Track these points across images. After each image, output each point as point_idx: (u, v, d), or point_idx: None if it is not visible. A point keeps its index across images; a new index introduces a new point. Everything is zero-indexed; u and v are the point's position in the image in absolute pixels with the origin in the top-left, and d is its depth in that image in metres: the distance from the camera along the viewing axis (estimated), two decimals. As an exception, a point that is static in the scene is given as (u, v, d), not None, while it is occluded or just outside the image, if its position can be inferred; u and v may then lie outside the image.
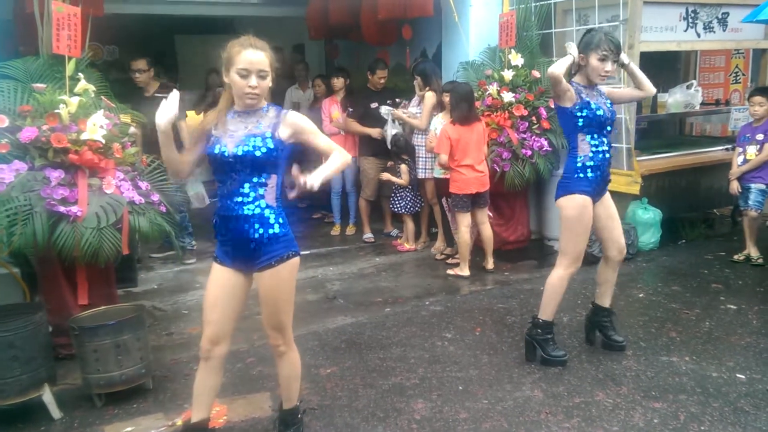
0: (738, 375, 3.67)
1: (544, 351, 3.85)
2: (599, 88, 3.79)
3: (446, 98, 5.65)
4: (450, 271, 5.67)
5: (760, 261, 5.58)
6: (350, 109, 6.56)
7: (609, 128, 3.73)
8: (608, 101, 3.74)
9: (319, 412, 3.39)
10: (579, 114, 3.61)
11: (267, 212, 2.70)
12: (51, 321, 3.80)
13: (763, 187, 5.53)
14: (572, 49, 3.62)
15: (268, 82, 2.69)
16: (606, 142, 3.72)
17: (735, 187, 5.68)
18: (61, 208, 3.61)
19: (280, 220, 2.75)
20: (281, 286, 2.78)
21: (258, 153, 2.63)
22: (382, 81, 6.54)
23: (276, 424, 3.12)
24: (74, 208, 3.63)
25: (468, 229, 5.53)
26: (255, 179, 2.68)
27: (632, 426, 3.19)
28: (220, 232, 2.79)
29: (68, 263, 3.79)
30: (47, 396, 3.41)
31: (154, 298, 5.24)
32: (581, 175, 3.68)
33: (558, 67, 3.51)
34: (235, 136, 2.67)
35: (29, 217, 3.54)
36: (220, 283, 2.82)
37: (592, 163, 3.67)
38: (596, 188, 3.72)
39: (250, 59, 2.60)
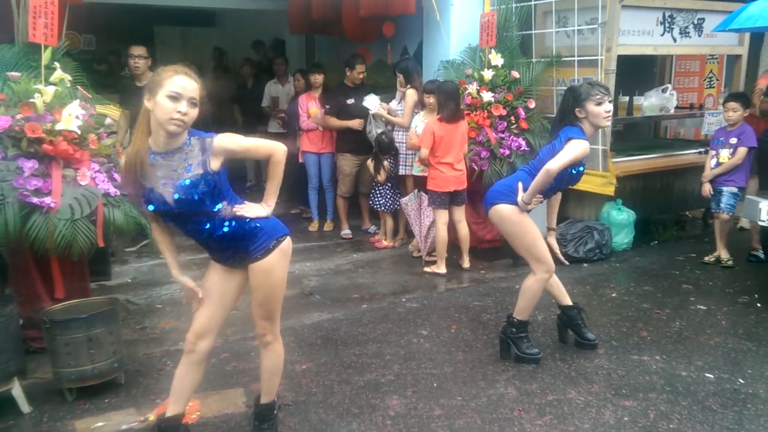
0: (706, 374, 3.74)
1: (519, 349, 3.89)
2: None
3: (428, 99, 5.66)
4: (427, 269, 5.69)
5: (730, 263, 5.69)
6: (327, 106, 6.54)
7: None
8: None
9: (294, 408, 3.39)
10: (573, 171, 3.66)
11: (232, 224, 2.68)
12: (22, 313, 3.75)
13: (735, 190, 5.63)
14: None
15: (196, 113, 2.51)
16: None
17: (707, 189, 5.77)
18: (34, 199, 3.56)
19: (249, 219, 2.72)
20: (271, 276, 2.77)
21: (199, 196, 2.54)
22: (361, 76, 6.53)
23: (251, 419, 3.10)
24: (47, 200, 3.58)
25: (445, 227, 5.56)
26: (206, 215, 2.62)
27: (603, 423, 3.24)
28: (204, 246, 2.80)
29: (40, 255, 3.74)
30: (16, 390, 3.36)
31: (127, 291, 5.18)
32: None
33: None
34: (168, 184, 2.53)
35: (1, 208, 3.48)
36: (214, 279, 2.85)
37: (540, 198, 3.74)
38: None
39: (183, 84, 2.46)
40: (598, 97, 3.56)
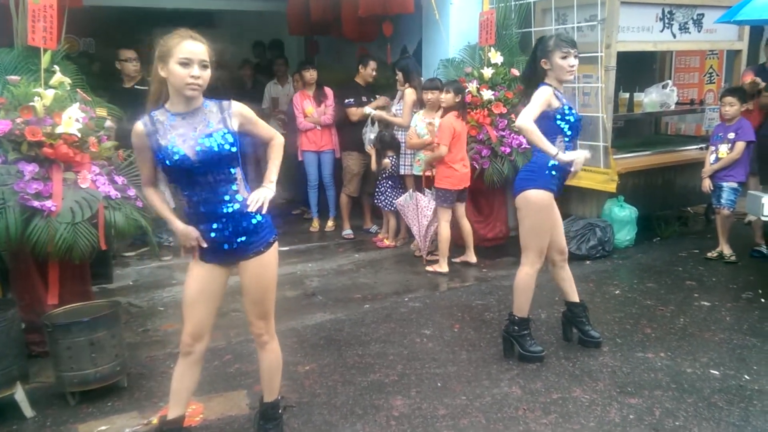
0: (712, 371, 3.73)
1: (522, 347, 3.87)
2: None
3: (427, 95, 5.65)
4: (429, 268, 5.68)
5: (733, 258, 5.67)
6: (351, 100, 6.47)
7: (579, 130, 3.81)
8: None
9: (298, 410, 3.38)
10: (563, 118, 3.64)
11: (243, 202, 2.71)
12: (23, 318, 3.73)
13: (735, 185, 5.61)
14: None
15: (209, 74, 2.60)
16: (573, 146, 3.78)
17: (707, 185, 5.76)
18: (35, 203, 3.55)
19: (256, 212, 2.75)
20: (268, 271, 2.83)
21: (220, 151, 2.60)
22: (374, 73, 6.54)
23: (256, 419, 3.09)
24: (48, 203, 3.57)
25: (448, 225, 5.55)
26: (224, 176, 2.66)
27: (608, 421, 3.23)
28: (204, 235, 2.74)
29: (42, 259, 3.73)
30: (19, 394, 3.35)
31: (129, 294, 5.17)
32: (548, 172, 3.68)
33: (531, 121, 3.52)
34: (189, 140, 2.59)
35: (2, 212, 3.48)
36: (200, 279, 2.81)
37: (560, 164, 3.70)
38: (558, 189, 3.77)
39: (192, 49, 2.54)
40: (564, 50, 3.60)
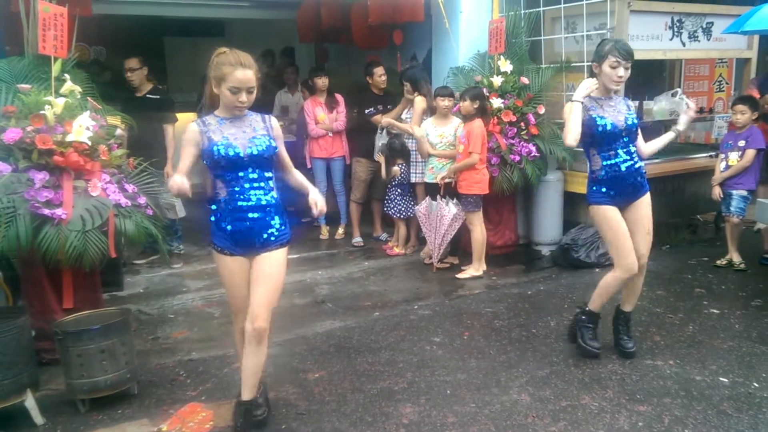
0: (721, 378, 3.71)
1: (582, 338, 3.99)
2: (621, 98, 3.85)
3: (441, 102, 5.66)
4: (460, 275, 5.66)
5: (742, 266, 5.64)
6: (371, 109, 6.48)
7: (625, 139, 3.75)
8: (629, 111, 3.77)
9: (307, 417, 3.38)
10: (591, 129, 3.67)
11: (277, 202, 3.08)
12: (34, 325, 3.76)
13: (744, 193, 5.59)
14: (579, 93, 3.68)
15: (254, 95, 3.00)
16: (623, 153, 3.74)
17: (717, 192, 5.73)
18: (46, 211, 3.57)
19: (282, 210, 3.12)
20: (282, 264, 3.12)
21: (267, 152, 3.00)
22: (383, 79, 6.53)
23: (238, 415, 3.21)
24: (59, 211, 3.60)
25: (483, 227, 5.65)
26: (265, 174, 3.03)
27: (617, 429, 3.21)
28: (233, 224, 3.01)
29: (52, 267, 3.75)
30: (30, 402, 3.36)
31: (139, 302, 5.19)
32: (594, 187, 3.80)
33: (573, 139, 3.63)
34: (239, 138, 2.97)
35: (12, 220, 3.50)
36: (237, 271, 3.09)
37: (604, 175, 3.73)
38: (617, 197, 3.77)
39: (240, 78, 2.89)
40: (615, 59, 3.59)
